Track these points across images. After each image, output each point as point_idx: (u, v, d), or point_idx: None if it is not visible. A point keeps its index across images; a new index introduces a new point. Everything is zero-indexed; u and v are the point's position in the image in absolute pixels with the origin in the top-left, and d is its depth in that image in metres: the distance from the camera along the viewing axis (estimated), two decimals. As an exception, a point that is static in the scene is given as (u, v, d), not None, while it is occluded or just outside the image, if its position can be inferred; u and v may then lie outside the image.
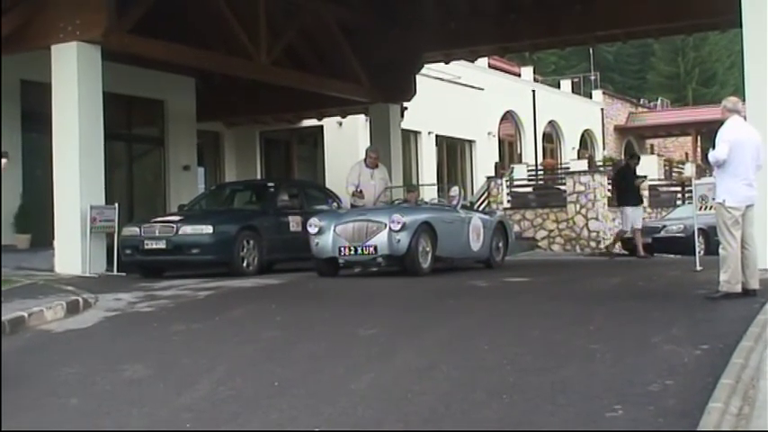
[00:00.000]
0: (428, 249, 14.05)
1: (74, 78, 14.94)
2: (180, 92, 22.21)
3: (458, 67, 29.95)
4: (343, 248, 13.83)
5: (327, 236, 13.91)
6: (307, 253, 14.46)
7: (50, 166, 15.28)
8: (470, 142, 33.82)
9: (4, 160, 11.67)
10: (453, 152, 33.44)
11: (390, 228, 13.52)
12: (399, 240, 13.54)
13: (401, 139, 24.00)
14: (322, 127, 27.88)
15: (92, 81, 15.17)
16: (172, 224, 15.11)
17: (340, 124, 27.35)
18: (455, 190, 16.19)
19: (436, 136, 31.30)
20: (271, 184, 18.45)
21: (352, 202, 16.06)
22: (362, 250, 13.73)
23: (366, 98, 22.66)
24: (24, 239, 17.38)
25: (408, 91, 23.06)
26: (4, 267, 14.29)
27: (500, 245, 16.51)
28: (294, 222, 16.18)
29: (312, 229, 14.04)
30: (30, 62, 16.12)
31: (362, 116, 25.78)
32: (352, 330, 8.64)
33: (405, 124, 24.47)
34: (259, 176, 27.69)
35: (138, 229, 15.11)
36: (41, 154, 16.18)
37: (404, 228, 13.52)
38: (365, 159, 16.46)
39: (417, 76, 23.42)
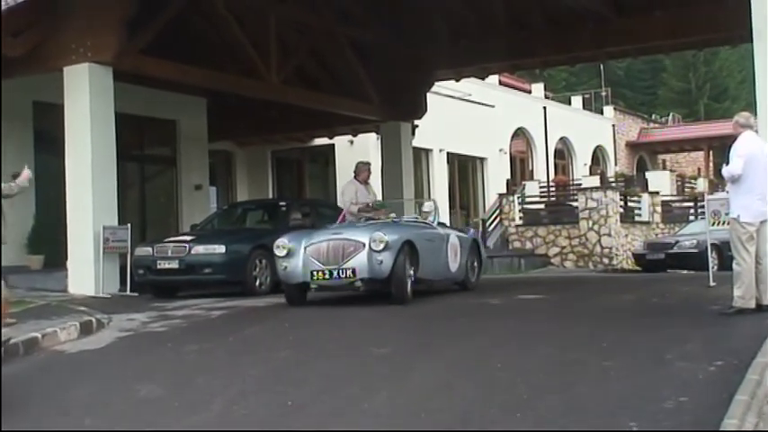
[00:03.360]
0: (411, 272, 12.42)
1: (86, 99, 15.02)
2: (192, 112, 22.28)
3: (468, 85, 30.00)
4: (315, 272, 12.09)
5: (297, 258, 12.22)
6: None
7: (63, 186, 15.33)
8: (482, 159, 33.82)
9: (27, 171, 11.67)
10: (465, 169, 33.44)
11: (371, 248, 11.89)
12: (382, 262, 11.87)
13: (412, 156, 24.02)
14: (333, 145, 27.93)
15: (104, 102, 15.25)
16: (184, 244, 15.13)
17: (351, 143, 27.40)
18: (429, 205, 14.84)
19: (447, 153, 31.32)
20: (283, 203, 18.49)
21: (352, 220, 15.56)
22: (339, 274, 12.01)
23: (377, 116, 22.71)
24: (37, 260, 17.42)
25: (419, 109, 23.09)
26: (18, 288, 14.34)
27: (475, 264, 15.22)
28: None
29: (279, 251, 12.37)
30: (42, 83, 16.20)
31: (374, 134, 25.84)
32: (366, 349, 8.63)
33: (416, 142, 24.51)
34: (271, 195, 27.76)
35: (150, 249, 15.13)
36: (54, 175, 16.23)
37: (387, 247, 11.89)
38: (357, 176, 15.85)
39: (428, 94, 23.46)
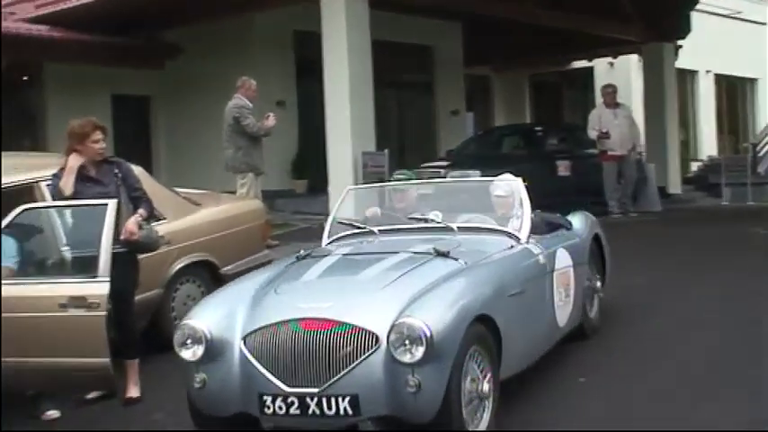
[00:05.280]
0: (485, 387, 5.22)
1: (343, 27, 15.21)
2: (447, 37, 22.25)
3: (737, 1, 28.34)
4: (269, 398, 5.01)
5: (227, 363, 5.18)
6: (577, 197, 13.99)
7: (324, 113, 15.70)
8: (752, 81, 32.01)
9: (272, 114, 12.07)
10: (733, 92, 31.75)
11: (392, 354, 4.87)
12: (420, 387, 4.81)
13: (676, 79, 23.01)
14: (592, 68, 27.19)
15: (360, 29, 15.39)
16: (440, 169, 15.21)
17: (611, 65, 26.56)
18: (507, 186, 6.99)
19: (714, 75, 29.82)
20: (539, 129, 18.26)
21: (600, 147, 15.35)
22: (323, 406, 4.94)
23: (638, 37, 21.86)
24: (302, 185, 18.09)
25: (683, 28, 22.04)
26: (283, 212, 14.89)
27: (597, 284, 7.83)
28: (563, 167, 16.02)
29: (188, 352, 5.22)
30: (302, 12, 16.58)
31: (635, 56, 24.91)
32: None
33: (680, 63, 23.44)
34: (528, 120, 27.45)
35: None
36: (315, 101, 16.66)
37: (431, 351, 4.81)
38: (604, 100, 15.75)
39: (692, 13, 22.33)
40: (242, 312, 5.29)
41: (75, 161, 6.46)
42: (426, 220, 6.67)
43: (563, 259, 6.73)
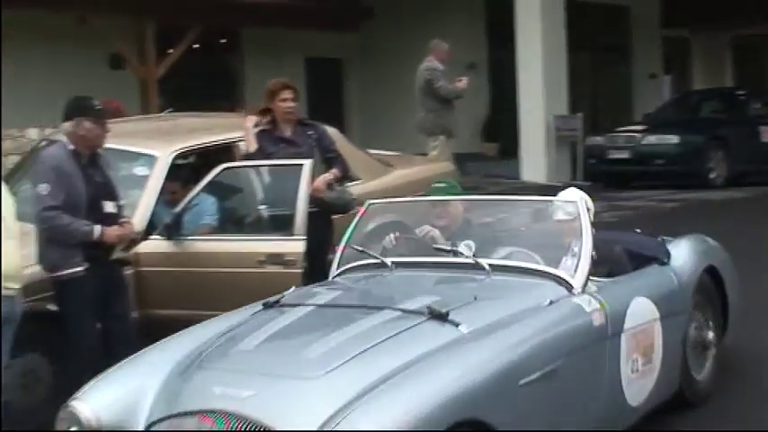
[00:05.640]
0: None
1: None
2: (644, -3, 21.63)
3: None
4: None
5: None
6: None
7: (515, 75, 15.52)
8: None
9: (465, 78, 11.94)
10: None
11: None
12: None
13: None
14: (800, 30, 25.84)
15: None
16: (636, 134, 14.95)
17: (820, 26, 25.16)
18: (571, 207, 5.02)
19: None
20: (741, 93, 17.58)
21: None
22: None
23: None
24: (492, 148, 18.00)
25: None
26: (473, 175, 14.81)
27: (710, 336, 5.57)
28: (766, 132, 15.32)
29: None
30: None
31: None
32: None
33: None
34: (729, 84, 26.37)
35: (601, 139, 15.13)
36: (507, 64, 16.48)
37: None
38: None
39: None
40: (153, 391, 3.92)
41: (249, 121, 6.58)
42: (455, 253, 4.87)
43: (642, 312, 4.79)
